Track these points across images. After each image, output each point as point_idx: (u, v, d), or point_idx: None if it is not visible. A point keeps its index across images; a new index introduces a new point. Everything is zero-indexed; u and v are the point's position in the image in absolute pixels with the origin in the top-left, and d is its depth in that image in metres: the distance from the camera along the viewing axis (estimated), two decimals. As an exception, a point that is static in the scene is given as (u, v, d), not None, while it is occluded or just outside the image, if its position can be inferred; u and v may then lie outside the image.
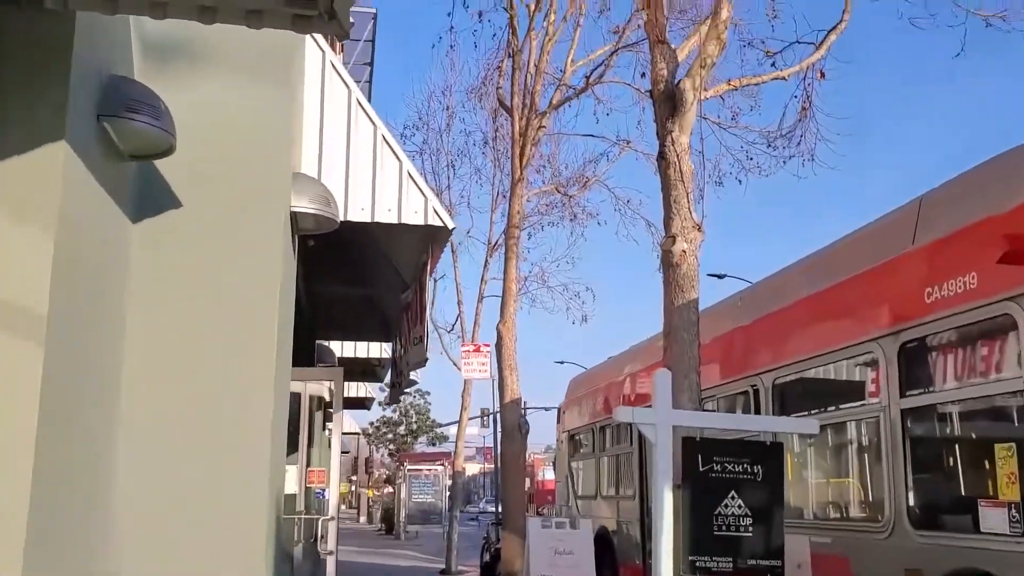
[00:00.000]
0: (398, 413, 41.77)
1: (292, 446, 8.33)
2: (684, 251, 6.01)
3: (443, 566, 17.04)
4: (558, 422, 13.98)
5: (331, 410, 8.00)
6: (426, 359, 7.03)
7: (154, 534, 3.94)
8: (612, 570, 10.72)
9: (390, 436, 44.20)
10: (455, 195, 18.88)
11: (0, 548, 2.84)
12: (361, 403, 18.67)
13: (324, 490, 7.54)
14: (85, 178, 3.34)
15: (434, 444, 45.42)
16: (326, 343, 10.75)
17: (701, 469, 5.04)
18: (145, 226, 4.10)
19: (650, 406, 5.09)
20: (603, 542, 10.27)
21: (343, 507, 68.01)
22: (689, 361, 5.94)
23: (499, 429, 12.48)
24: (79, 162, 3.24)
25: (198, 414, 4.06)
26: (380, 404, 10.43)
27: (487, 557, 13.30)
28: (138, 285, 4.05)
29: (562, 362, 41.86)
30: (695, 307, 5.95)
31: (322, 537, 7.09)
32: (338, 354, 11.49)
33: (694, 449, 5.08)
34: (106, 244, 3.72)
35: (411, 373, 8.12)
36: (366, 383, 16.32)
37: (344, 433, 29.65)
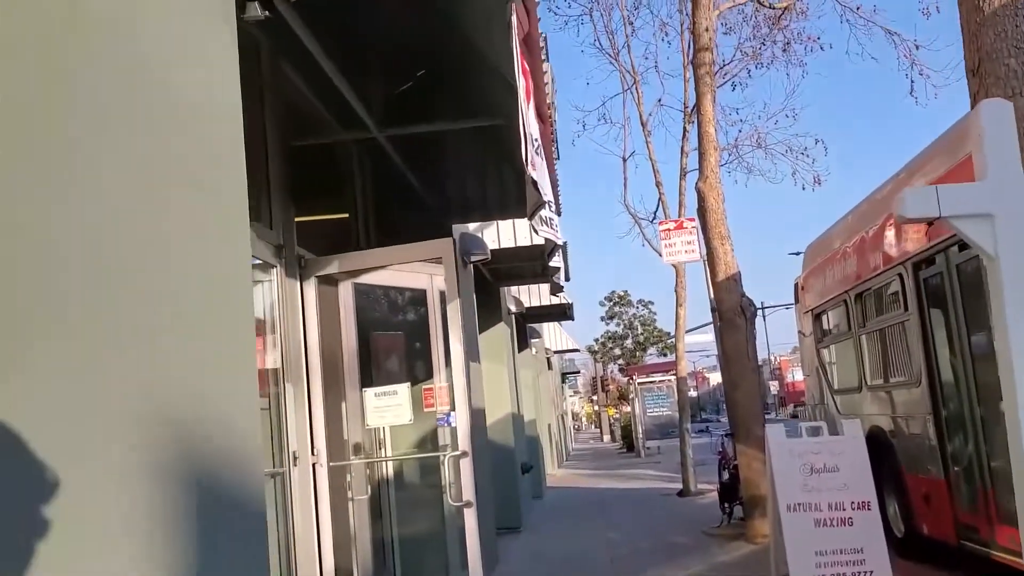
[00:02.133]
0: (622, 326, 39.75)
1: (421, 361, 6.28)
2: None
3: (681, 486, 14.74)
4: (796, 302, 10.97)
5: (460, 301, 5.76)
6: (544, 202, 4.66)
7: None
8: (895, 484, 7.83)
9: (618, 351, 42.30)
10: (637, 57, 15.91)
11: None
12: (563, 312, 16.50)
13: (448, 415, 5.33)
14: None
15: (665, 354, 42.83)
16: (468, 229, 8.55)
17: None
18: None
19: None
20: (876, 448, 7.38)
21: (592, 427, 67.82)
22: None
23: (716, 314, 9.78)
24: None
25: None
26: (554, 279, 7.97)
27: (725, 476, 10.75)
28: None
29: (797, 253, 37.57)
30: None
31: (451, 483, 4.93)
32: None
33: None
34: None
35: (546, 228, 5.73)
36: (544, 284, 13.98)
37: (558, 351, 28.13)
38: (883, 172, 8.70)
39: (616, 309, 45.97)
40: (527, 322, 16.93)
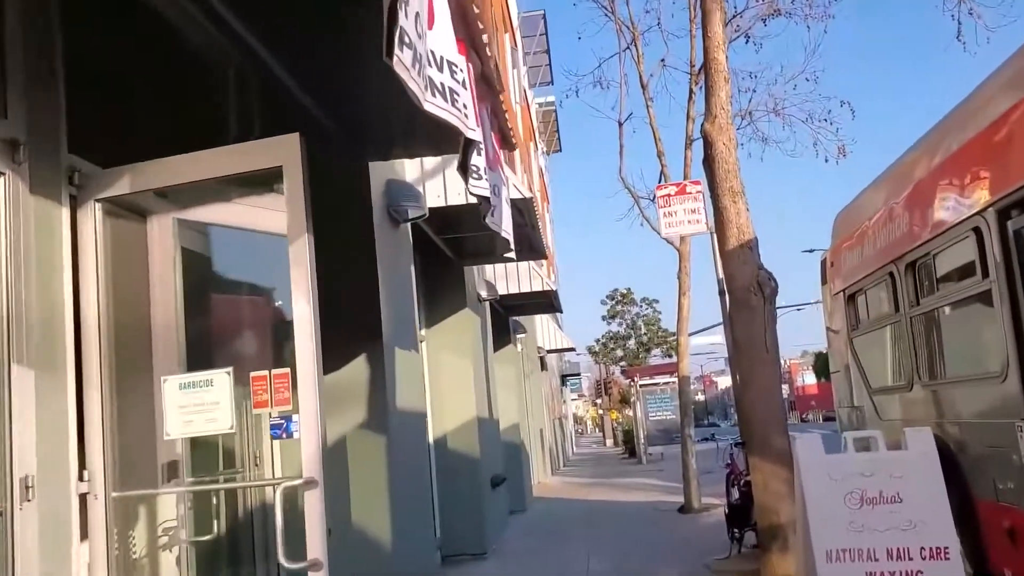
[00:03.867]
0: (624, 326, 37.69)
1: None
2: None
3: (683, 501, 12.77)
4: (823, 283, 9.01)
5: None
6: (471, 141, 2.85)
7: None
8: (961, 514, 5.85)
9: (620, 352, 40.26)
10: (637, 12, 13.98)
11: None
12: (549, 304, 14.51)
13: (287, 421, 3.31)
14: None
15: (670, 355, 40.75)
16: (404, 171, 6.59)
17: None
18: None
19: None
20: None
21: (595, 431, 66.16)
22: None
23: (723, 284, 7.86)
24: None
25: None
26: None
27: (735, 495, 8.80)
28: None
29: (811, 250, 35.59)
30: None
31: (282, 530, 2.95)
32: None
33: None
34: None
35: (475, 180, 3.91)
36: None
37: (553, 351, 26.05)
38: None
39: (618, 308, 43.95)
40: (510, 314, 14.98)
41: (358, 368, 5.50)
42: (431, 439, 9.41)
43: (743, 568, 7.48)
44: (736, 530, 8.30)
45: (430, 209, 7.17)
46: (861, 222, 7.67)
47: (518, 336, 15.95)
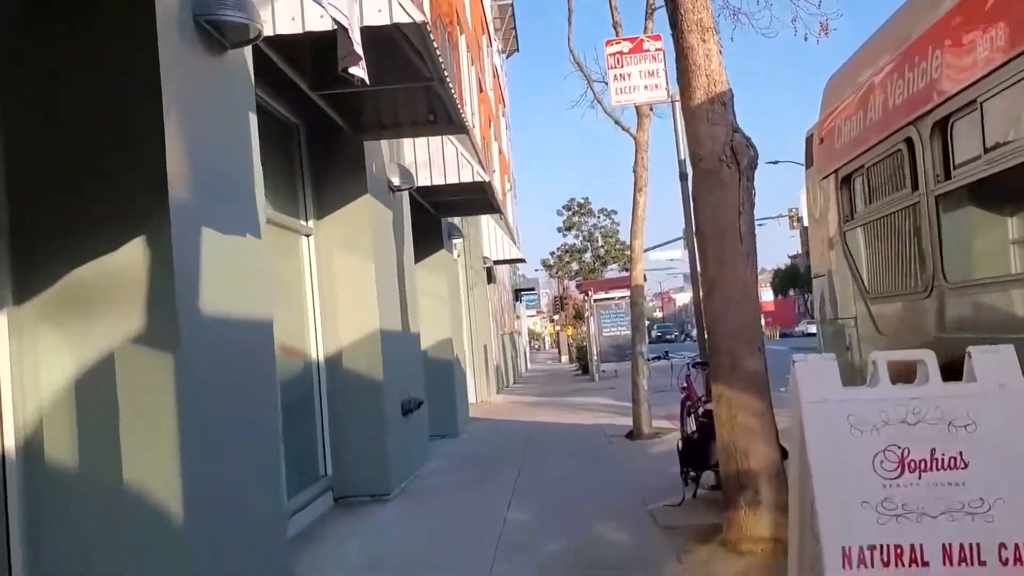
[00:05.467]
0: (580, 238, 35.79)
1: None
2: None
3: (632, 426, 11.26)
4: (807, 166, 7.24)
5: None
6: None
7: None
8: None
9: (575, 266, 38.53)
10: None
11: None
12: (485, 203, 12.58)
13: None
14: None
15: (627, 270, 39.24)
16: None
17: None
18: None
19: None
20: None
21: (550, 348, 65.43)
22: None
23: (686, 165, 6.07)
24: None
25: None
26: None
27: (691, 427, 7.20)
28: None
29: (775, 162, 33.94)
30: None
31: None
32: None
33: None
34: None
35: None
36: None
37: (501, 262, 24.16)
38: None
39: (575, 219, 41.93)
40: (442, 214, 13.05)
41: (126, 256, 3.63)
42: (320, 356, 7.61)
43: (699, 522, 5.87)
44: (690, 470, 6.70)
45: (279, 39, 5.17)
46: (864, 80, 5.84)
47: (453, 241, 14.07)
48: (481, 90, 26.32)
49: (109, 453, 3.59)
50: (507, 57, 42.34)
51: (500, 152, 32.22)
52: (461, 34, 20.86)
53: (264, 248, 4.79)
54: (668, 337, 64.73)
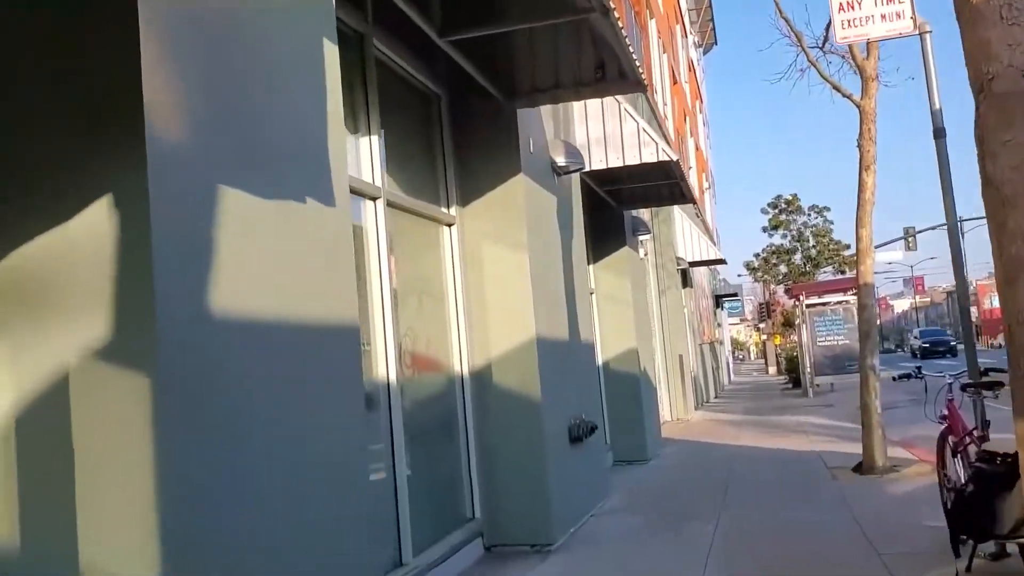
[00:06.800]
0: (789, 238, 32.57)
1: None
2: None
3: (861, 456, 9.10)
4: None
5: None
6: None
7: None
8: None
9: (784, 269, 35.28)
10: None
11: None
12: (676, 189, 10.82)
13: None
14: None
15: (843, 272, 35.42)
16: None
17: None
18: None
19: None
20: None
21: (756, 359, 61.73)
22: None
23: (941, 117, 4.16)
24: None
25: None
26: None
27: (960, 476, 5.17)
28: None
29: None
30: None
31: None
32: None
33: None
34: None
35: None
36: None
37: (697, 263, 21.85)
38: None
39: (782, 218, 38.48)
40: (625, 207, 11.45)
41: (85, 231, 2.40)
42: (465, 370, 6.28)
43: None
44: (966, 538, 4.71)
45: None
46: None
47: (639, 237, 12.41)
48: (675, 81, 24.44)
49: (59, 536, 2.36)
50: (704, 53, 39.92)
51: (697, 148, 30.05)
52: (651, 18, 19.18)
53: (341, 220, 3.48)
54: (939, 349, 42.91)
